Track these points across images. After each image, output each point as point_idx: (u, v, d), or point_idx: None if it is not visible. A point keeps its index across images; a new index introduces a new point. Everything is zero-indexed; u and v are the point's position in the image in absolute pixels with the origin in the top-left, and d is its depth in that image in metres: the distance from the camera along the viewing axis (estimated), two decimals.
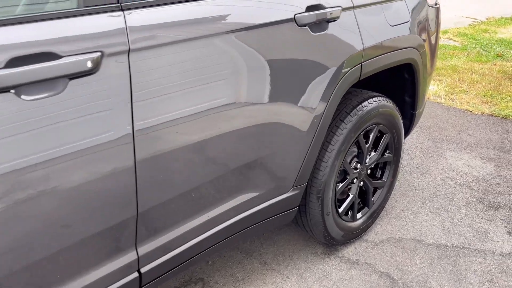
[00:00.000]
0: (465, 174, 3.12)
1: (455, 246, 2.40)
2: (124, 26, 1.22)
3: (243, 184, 1.73)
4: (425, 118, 4.03)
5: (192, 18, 1.38)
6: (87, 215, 1.28)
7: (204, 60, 1.42)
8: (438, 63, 5.65)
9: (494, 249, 2.39)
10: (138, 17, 1.26)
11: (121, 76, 1.21)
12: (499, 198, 2.85)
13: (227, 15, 1.47)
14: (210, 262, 2.27)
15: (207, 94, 1.44)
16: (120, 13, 1.22)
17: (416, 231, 2.52)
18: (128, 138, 1.26)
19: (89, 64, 1.13)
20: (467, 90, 4.75)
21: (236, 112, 1.56)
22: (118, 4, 1.23)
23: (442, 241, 2.44)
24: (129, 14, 1.24)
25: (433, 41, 2.54)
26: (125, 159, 1.28)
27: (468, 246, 2.41)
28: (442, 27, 7.59)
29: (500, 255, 2.35)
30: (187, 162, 1.47)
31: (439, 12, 2.58)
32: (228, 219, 1.74)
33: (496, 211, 2.72)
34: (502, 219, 2.64)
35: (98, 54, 1.15)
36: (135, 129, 1.27)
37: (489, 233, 2.51)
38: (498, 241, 2.45)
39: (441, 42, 6.80)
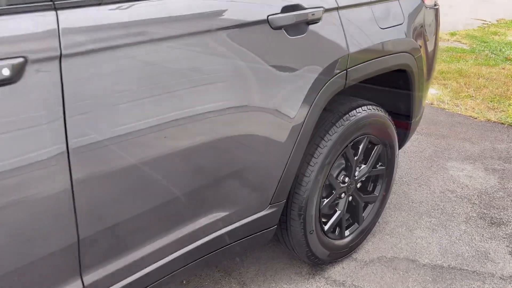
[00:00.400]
0: (467, 186, 2.93)
1: (452, 268, 2.22)
2: (56, 27, 1.06)
3: (211, 203, 1.56)
4: (426, 125, 3.84)
5: (142, 19, 1.21)
6: (17, 244, 1.12)
7: (157, 67, 1.25)
8: (444, 66, 5.45)
9: (494, 272, 2.20)
10: (75, 18, 1.10)
11: (51, 86, 1.05)
12: (502, 213, 2.65)
13: (185, 16, 1.31)
14: (184, 282, 2.11)
15: (161, 105, 1.28)
16: (52, 12, 1.06)
17: (410, 250, 2.34)
18: (61, 157, 1.10)
19: (6, 72, 0.97)
20: (473, 95, 4.54)
21: (199, 124, 1.39)
22: (51, 3, 1.07)
23: (437, 262, 2.26)
24: (63, 13, 1.08)
25: (431, 45, 2.36)
26: (59, 181, 1.12)
27: (466, 268, 2.22)
28: (451, 28, 7.37)
29: (501, 278, 2.16)
30: (138, 182, 1.30)
31: (438, 14, 2.40)
32: (195, 241, 1.57)
33: (498, 228, 2.53)
34: (504, 238, 2.44)
35: (20, 60, 1.00)
36: (70, 147, 1.11)
37: (489, 253, 2.32)
38: (499, 263, 2.26)
39: (448, 44, 6.58)
